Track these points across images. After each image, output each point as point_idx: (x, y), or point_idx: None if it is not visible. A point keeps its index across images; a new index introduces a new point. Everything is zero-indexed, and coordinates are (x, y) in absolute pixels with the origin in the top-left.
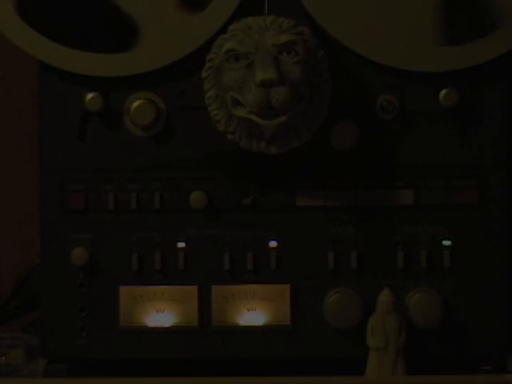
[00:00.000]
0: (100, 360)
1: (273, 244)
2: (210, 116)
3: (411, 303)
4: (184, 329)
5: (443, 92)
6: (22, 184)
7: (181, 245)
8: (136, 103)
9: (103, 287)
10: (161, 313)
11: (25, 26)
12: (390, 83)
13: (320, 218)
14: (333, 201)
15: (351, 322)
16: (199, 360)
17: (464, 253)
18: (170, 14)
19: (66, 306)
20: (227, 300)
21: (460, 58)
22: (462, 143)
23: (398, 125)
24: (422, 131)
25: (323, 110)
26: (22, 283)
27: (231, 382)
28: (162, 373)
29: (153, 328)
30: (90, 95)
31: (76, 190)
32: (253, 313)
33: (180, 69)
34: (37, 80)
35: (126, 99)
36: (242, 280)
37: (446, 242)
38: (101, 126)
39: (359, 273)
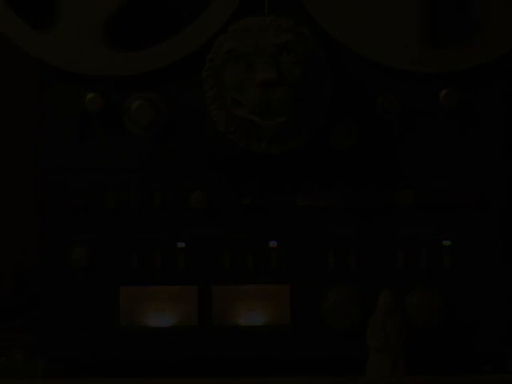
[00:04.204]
0: (100, 360)
1: (273, 244)
2: (210, 116)
3: (411, 303)
4: (184, 329)
5: (443, 92)
6: (22, 184)
7: (181, 245)
8: (136, 103)
9: (103, 287)
10: (161, 313)
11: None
12: (389, 83)
13: (320, 218)
14: (333, 201)
15: (351, 322)
16: (199, 360)
17: (464, 253)
18: (98, 48)
19: (65, 306)
20: (227, 300)
21: (460, 58)
22: (461, 143)
23: (398, 125)
24: (422, 131)
25: (323, 110)
26: (22, 283)
27: (231, 382)
28: (162, 373)
29: (153, 328)
30: (89, 95)
31: (76, 190)
32: (253, 313)
33: (180, 69)
34: (36, 80)
35: (126, 99)
36: (242, 280)
37: (446, 242)
38: (101, 126)
39: (359, 273)
